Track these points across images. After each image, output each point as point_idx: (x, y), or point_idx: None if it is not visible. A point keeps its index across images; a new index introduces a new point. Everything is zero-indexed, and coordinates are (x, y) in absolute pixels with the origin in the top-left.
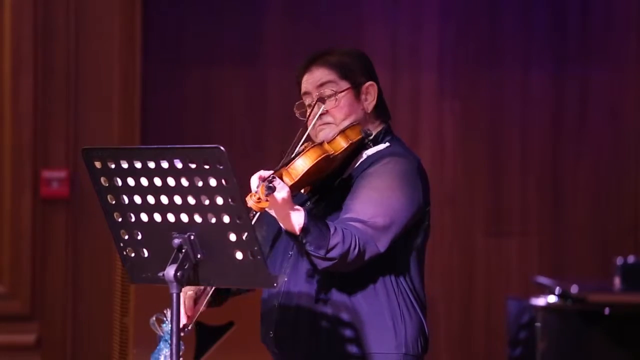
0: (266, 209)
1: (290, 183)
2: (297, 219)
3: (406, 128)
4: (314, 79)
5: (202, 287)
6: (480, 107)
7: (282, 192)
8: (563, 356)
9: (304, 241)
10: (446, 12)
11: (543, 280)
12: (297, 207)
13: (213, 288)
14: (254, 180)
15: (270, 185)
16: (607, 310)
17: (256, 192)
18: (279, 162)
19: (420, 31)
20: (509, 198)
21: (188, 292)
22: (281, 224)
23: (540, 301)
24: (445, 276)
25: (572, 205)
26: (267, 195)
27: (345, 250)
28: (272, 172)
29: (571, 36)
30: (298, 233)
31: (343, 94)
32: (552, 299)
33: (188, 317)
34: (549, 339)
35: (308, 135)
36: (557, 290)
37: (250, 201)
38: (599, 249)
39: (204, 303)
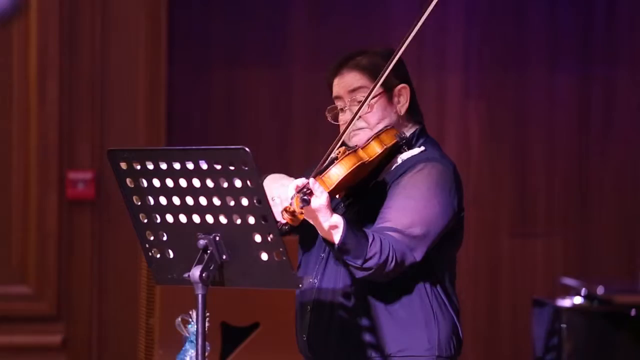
0: (305, 217)
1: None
2: (336, 227)
3: (431, 129)
4: (345, 83)
5: None
6: (506, 107)
7: (321, 198)
8: (589, 357)
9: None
10: (471, 13)
11: (569, 281)
12: (336, 215)
13: None
14: (289, 191)
15: (305, 197)
16: (633, 312)
17: (291, 205)
18: (306, 164)
19: (445, 32)
20: (534, 199)
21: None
22: (319, 232)
23: (566, 302)
24: (471, 277)
25: (598, 206)
26: (302, 208)
27: (383, 261)
28: (306, 181)
29: (597, 36)
30: (336, 242)
31: (376, 98)
32: (577, 300)
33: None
34: (575, 340)
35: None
36: (583, 291)
37: (286, 215)
38: (626, 250)
39: None
